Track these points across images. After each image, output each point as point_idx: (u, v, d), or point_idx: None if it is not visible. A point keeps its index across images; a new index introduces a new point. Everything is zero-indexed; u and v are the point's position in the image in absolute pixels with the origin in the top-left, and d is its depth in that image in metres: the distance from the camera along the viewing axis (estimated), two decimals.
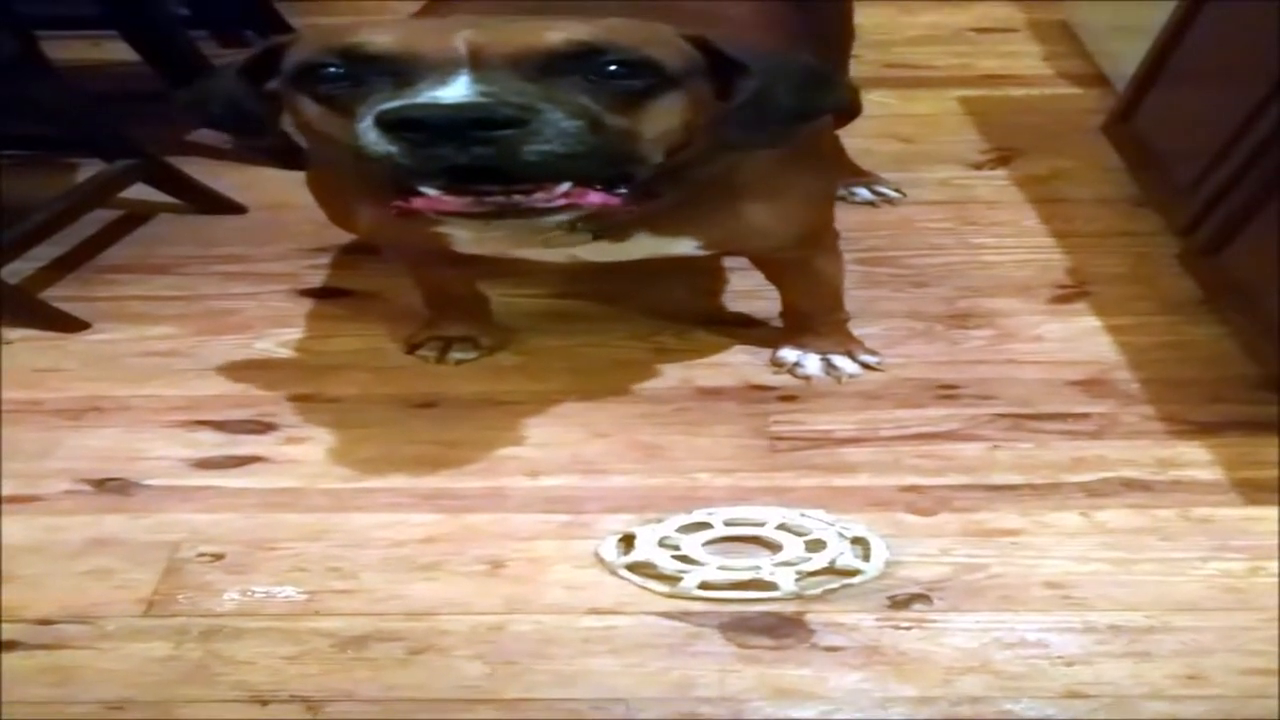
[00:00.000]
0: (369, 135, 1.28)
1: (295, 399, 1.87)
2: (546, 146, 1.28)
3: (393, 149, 1.27)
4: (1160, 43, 2.30)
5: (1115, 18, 2.86)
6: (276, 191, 2.40)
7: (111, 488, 1.70)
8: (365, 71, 1.33)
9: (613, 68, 1.34)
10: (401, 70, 1.31)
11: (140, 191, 2.40)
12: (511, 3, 1.54)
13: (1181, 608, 1.47)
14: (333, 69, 1.34)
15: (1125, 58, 2.54)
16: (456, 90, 1.27)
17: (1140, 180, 2.35)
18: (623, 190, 1.41)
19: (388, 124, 1.27)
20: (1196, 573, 1.53)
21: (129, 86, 2.77)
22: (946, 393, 1.87)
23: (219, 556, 1.57)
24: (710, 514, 1.63)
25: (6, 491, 1.68)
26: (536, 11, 1.43)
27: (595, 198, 1.38)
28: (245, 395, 1.89)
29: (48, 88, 2.26)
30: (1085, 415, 1.82)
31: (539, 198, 1.33)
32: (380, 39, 1.33)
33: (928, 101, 2.86)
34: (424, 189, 1.33)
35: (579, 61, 1.33)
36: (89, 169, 2.41)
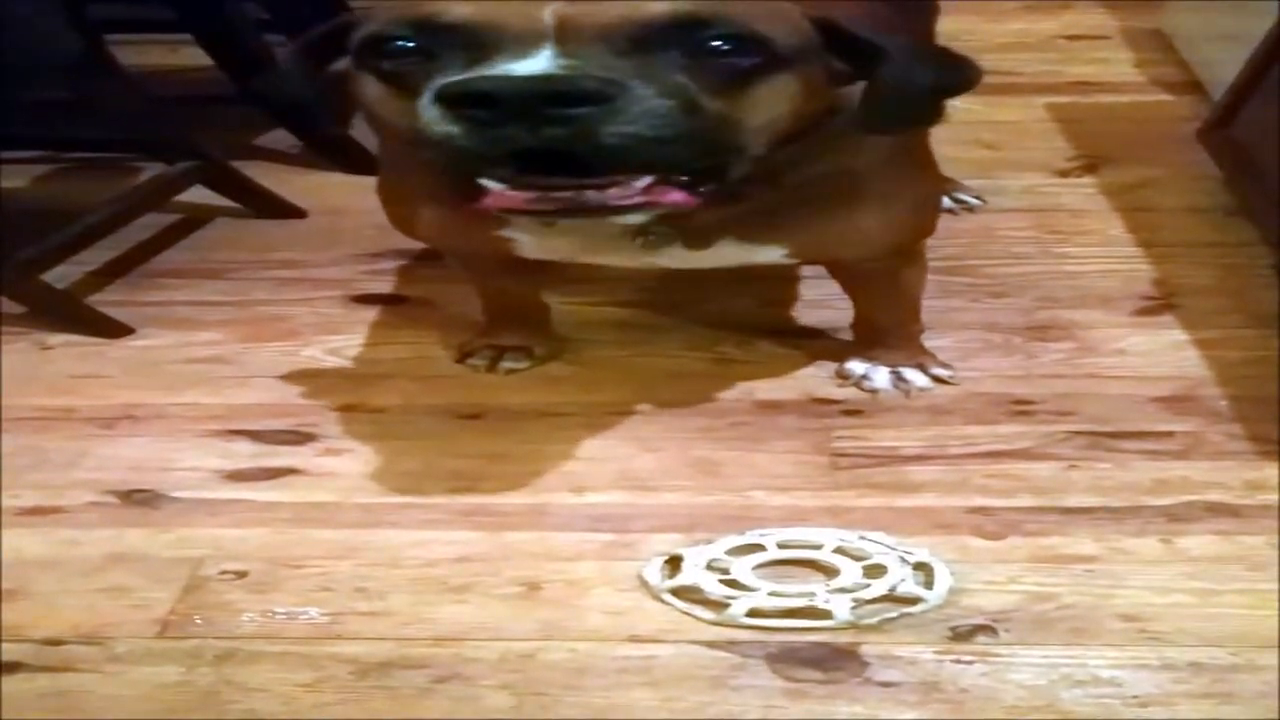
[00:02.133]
0: (429, 113, 1.13)
1: (338, 409, 1.78)
2: (630, 128, 1.12)
3: (453, 129, 1.12)
4: (1263, 49, 2.18)
5: (1213, 24, 2.75)
6: (339, 196, 2.31)
7: (138, 500, 1.61)
8: (438, 44, 1.17)
9: (717, 43, 1.17)
10: (479, 43, 1.15)
11: (200, 195, 2.33)
12: None
13: (1269, 644, 1.33)
14: (402, 42, 1.19)
15: (1223, 65, 2.43)
16: (535, 64, 1.11)
17: (1236, 189, 2.24)
18: (707, 189, 1.26)
19: (450, 99, 1.12)
20: None
21: (201, 91, 2.68)
22: (1021, 408, 1.74)
23: (242, 574, 1.47)
24: (763, 535, 1.51)
25: (30, 502, 1.60)
26: None
27: (676, 196, 1.23)
28: (286, 404, 1.79)
29: (113, 90, 2.24)
30: (1169, 434, 1.68)
31: (613, 194, 1.19)
32: (458, 8, 1.18)
33: (1014, 108, 2.73)
34: (487, 182, 1.20)
35: (680, 35, 1.16)
36: (151, 172, 2.35)
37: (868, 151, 1.47)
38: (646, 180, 1.19)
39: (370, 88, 1.26)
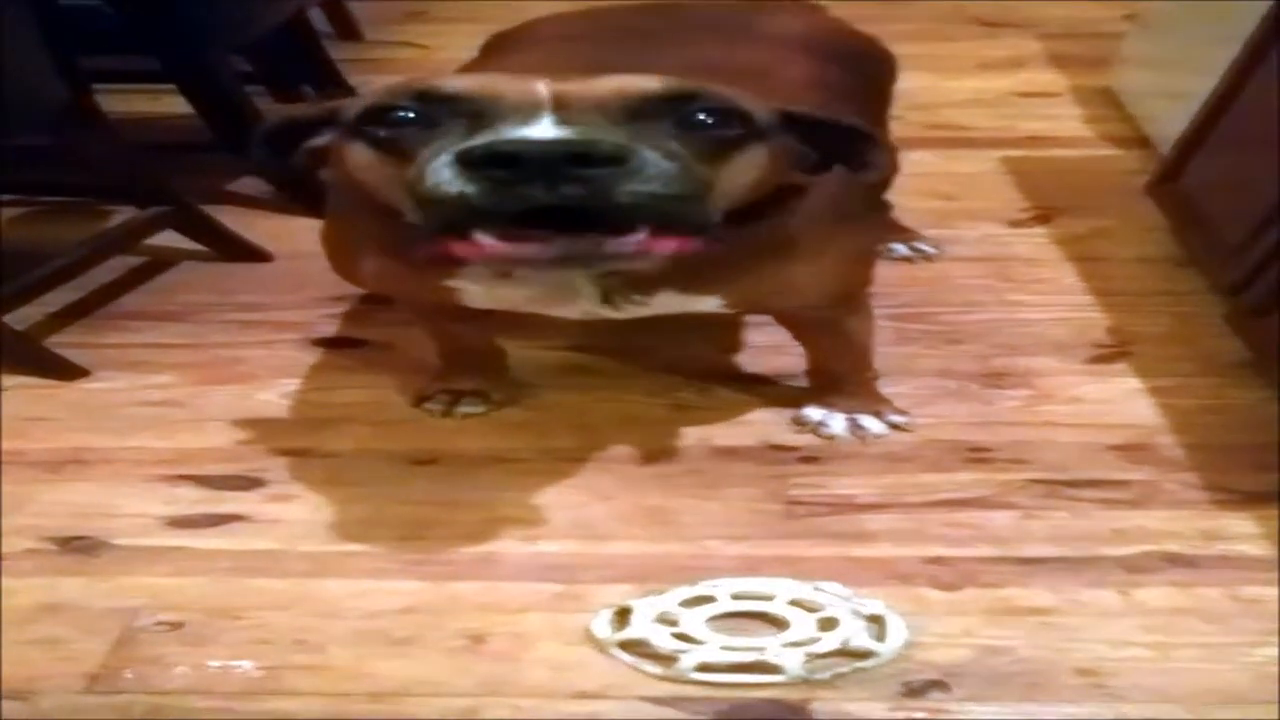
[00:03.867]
0: (441, 174, 1.12)
1: (288, 453, 1.66)
2: (644, 187, 1.12)
3: (469, 188, 1.11)
4: (1210, 105, 2.14)
5: (1160, 83, 2.70)
6: (305, 241, 2.16)
7: (76, 547, 1.49)
8: (439, 113, 1.18)
9: (703, 116, 1.20)
10: (479, 112, 1.17)
11: (168, 239, 2.22)
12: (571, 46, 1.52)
13: (1225, 699, 1.23)
14: (404, 112, 1.19)
15: (1169, 121, 2.36)
16: (543, 129, 1.13)
17: (1185, 240, 2.15)
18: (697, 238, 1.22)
19: (473, 160, 1.11)
20: (1243, 659, 1.28)
21: (180, 138, 2.56)
22: (977, 456, 1.64)
23: (177, 625, 1.35)
24: (715, 586, 1.40)
25: None
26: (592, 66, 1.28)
27: (671, 243, 1.19)
28: (236, 449, 1.67)
29: (95, 138, 2.14)
30: (1124, 483, 1.58)
31: (613, 244, 1.15)
32: (458, 82, 1.21)
33: (969, 161, 2.63)
34: (478, 235, 1.15)
35: (671, 107, 1.19)
36: (123, 216, 2.23)
37: (801, 206, 1.41)
38: (643, 233, 1.16)
39: (360, 155, 1.24)
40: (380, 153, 1.22)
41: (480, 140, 1.12)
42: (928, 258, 2.19)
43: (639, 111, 1.17)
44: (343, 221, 1.52)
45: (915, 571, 1.41)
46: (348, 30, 3.42)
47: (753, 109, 1.25)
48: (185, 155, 2.55)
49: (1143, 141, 2.65)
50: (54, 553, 1.47)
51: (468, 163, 1.11)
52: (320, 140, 1.32)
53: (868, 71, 1.82)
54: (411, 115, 1.19)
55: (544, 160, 1.09)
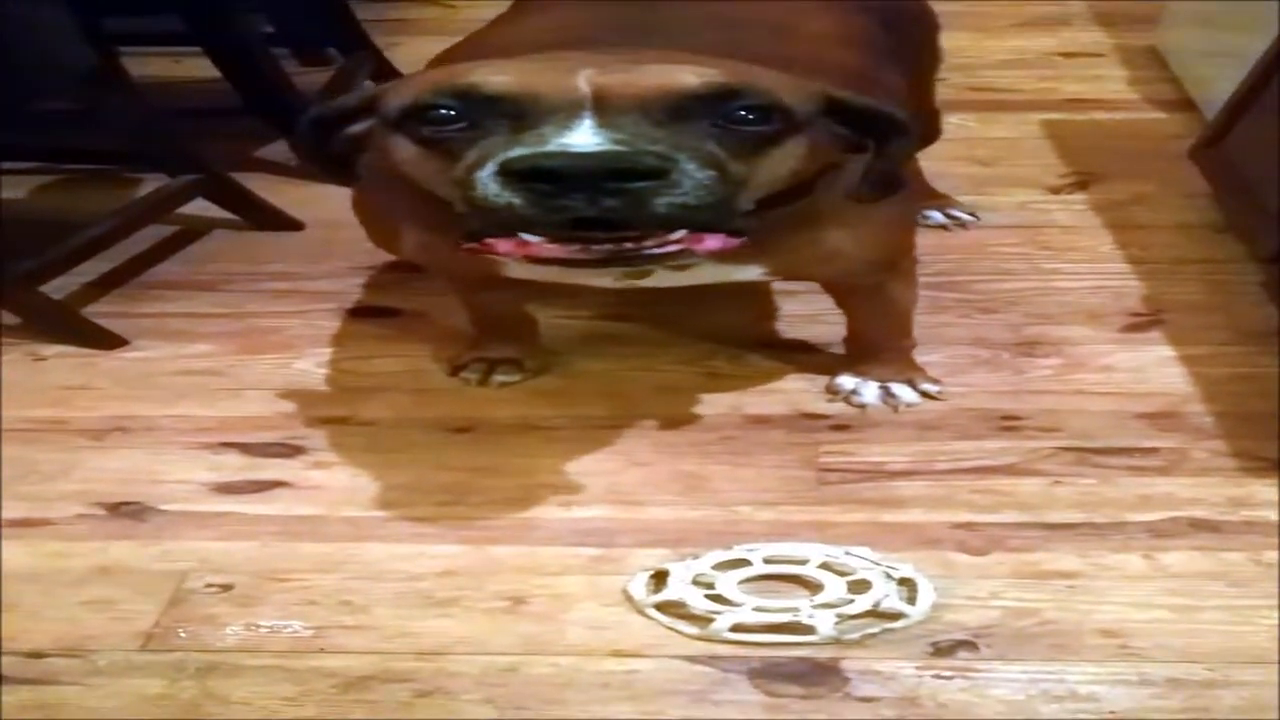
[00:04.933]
0: (489, 185, 1.19)
1: (328, 421, 1.76)
2: (680, 199, 1.19)
3: (515, 199, 1.18)
4: (1258, 69, 2.16)
5: (1207, 43, 2.72)
6: (337, 209, 2.25)
7: (125, 512, 1.59)
8: (481, 113, 1.24)
9: (743, 112, 1.25)
10: (520, 112, 1.22)
11: (199, 207, 2.31)
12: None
13: (1247, 660, 1.31)
14: (444, 110, 1.25)
15: (1216, 83, 2.42)
16: (584, 136, 1.18)
17: (1226, 206, 2.22)
18: (734, 232, 1.29)
19: (516, 174, 1.18)
20: (1265, 622, 1.36)
21: (204, 103, 2.66)
22: (1008, 424, 1.72)
23: (227, 587, 1.45)
24: (750, 550, 1.49)
25: (18, 514, 1.58)
26: (630, 30, 1.43)
27: (712, 243, 1.27)
28: (276, 417, 1.77)
29: (122, 103, 2.19)
30: (1153, 450, 1.66)
31: (651, 244, 1.23)
32: (498, 79, 1.25)
33: (1008, 125, 2.71)
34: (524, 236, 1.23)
35: (712, 105, 1.24)
36: (152, 184, 2.32)
37: (839, 176, 1.47)
38: (681, 234, 1.24)
39: (404, 150, 1.31)
40: (424, 148, 1.28)
41: (523, 151, 1.18)
42: (964, 225, 2.26)
43: (680, 111, 1.22)
44: (378, 193, 1.58)
45: (944, 536, 1.50)
46: None
47: (793, 103, 1.29)
48: (212, 120, 2.63)
49: (1188, 104, 2.70)
50: (103, 518, 1.57)
51: (511, 175, 1.17)
52: (360, 128, 1.39)
53: (905, 27, 1.86)
54: (453, 113, 1.25)
55: (585, 175, 1.16)
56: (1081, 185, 2.40)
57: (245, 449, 1.70)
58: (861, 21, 1.72)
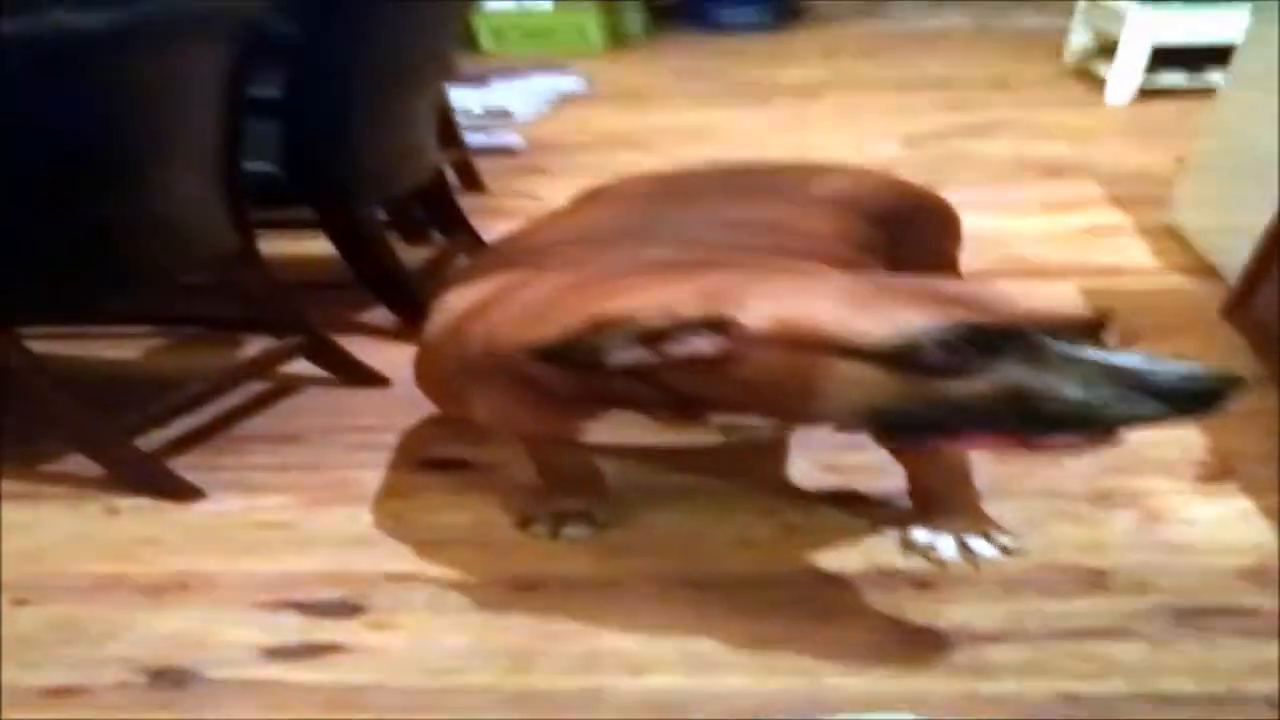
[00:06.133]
0: (1073, 389, 1.05)
1: (392, 578, 1.44)
2: None
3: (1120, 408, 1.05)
4: (1269, 235, 1.94)
5: (1217, 218, 2.46)
6: None
7: (168, 679, 1.25)
8: (998, 343, 1.07)
9: None
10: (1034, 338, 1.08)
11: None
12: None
13: None
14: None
15: (1232, 251, 2.15)
16: (1120, 354, 1.07)
17: (1266, 359, 1.90)
18: None
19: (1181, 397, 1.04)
20: None
21: (316, 275, 2.33)
22: (1096, 580, 1.30)
23: None
24: None
25: (57, 680, 1.21)
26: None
27: None
28: (340, 573, 1.45)
29: (256, 277, 1.93)
30: (1255, 610, 1.31)
31: None
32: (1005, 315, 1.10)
33: (1045, 291, 2.29)
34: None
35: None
36: (258, 346, 2.01)
37: None
38: None
39: (866, 374, 1.09)
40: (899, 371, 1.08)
41: (1171, 369, 1.05)
42: None
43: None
44: (440, 360, 1.32)
45: (1048, 709, 1.13)
46: (473, 183, 3.23)
47: None
48: (323, 291, 2.32)
49: (1209, 270, 2.35)
50: (143, 687, 1.27)
51: (1175, 399, 1.04)
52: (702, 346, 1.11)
53: (918, 225, 1.64)
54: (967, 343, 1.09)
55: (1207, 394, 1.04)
56: (1126, 342, 1.99)
57: (304, 608, 1.39)
58: (863, 225, 1.51)
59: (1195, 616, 1.30)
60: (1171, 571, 1.39)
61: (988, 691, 1.20)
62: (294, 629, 1.35)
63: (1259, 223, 2.00)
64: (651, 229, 1.40)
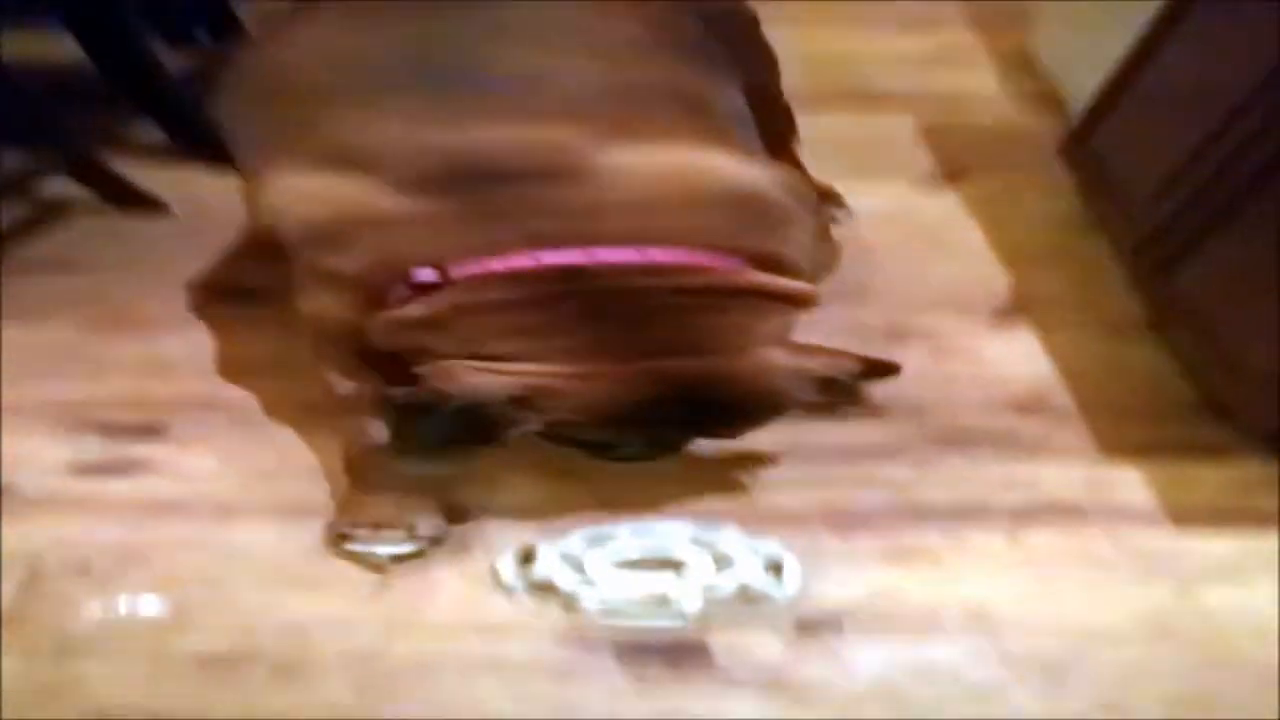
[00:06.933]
0: None
1: (192, 402, 1.73)
2: None
3: None
4: (1122, 68, 2.20)
5: (1076, 45, 2.71)
6: (203, 191, 2.20)
7: None
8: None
9: None
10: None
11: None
12: None
13: (1102, 636, 1.36)
14: None
15: (1085, 82, 2.41)
16: None
17: (1091, 202, 2.24)
18: None
19: None
20: (1121, 601, 1.41)
21: (68, 82, 2.58)
22: (879, 409, 1.72)
23: (85, 569, 1.43)
24: (618, 530, 1.49)
25: None
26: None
27: None
28: (141, 397, 1.73)
29: None
30: (1018, 435, 1.69)
31: None
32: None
33: (883, 122, 2.70)
34: None
35: None
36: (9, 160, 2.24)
37: None
38: None
39: None
40: None
41: None
42: (835, 220, 2.26)
43: None
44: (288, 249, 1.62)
45: (812, 518, 1.53)
46: None
47: None
48: (79, 101, 2.55)
49: (1058, 103, 2.75)
50: None
51: None
52: None
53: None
54: None
55: None
56: (953, 179, 2.42)
57: (106, 430, 1.67)
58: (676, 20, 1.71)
59: (961, 439, 1.66)
60: (950, 401, 1.74)
61: (759, 501, 1.54)
62: (98, 449, 1.61)
63: (1118, 52, 2.21)
64: (437, 56, 1.53)
